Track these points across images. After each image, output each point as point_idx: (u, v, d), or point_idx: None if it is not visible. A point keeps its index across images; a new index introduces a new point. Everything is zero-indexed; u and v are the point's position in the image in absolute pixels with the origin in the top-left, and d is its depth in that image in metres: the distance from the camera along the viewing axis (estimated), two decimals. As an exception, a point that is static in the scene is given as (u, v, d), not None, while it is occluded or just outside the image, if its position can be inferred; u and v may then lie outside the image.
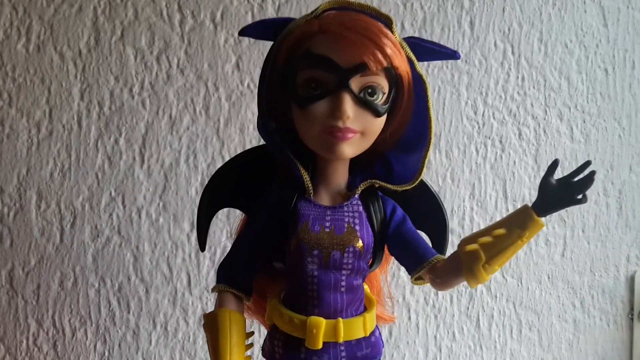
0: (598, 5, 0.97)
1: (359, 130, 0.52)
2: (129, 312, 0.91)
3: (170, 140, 0.93)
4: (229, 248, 0.58)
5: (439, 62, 0.95)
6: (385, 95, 0.52)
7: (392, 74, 0.52)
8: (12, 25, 0.91)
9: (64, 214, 0.91)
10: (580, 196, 0.48)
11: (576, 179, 0.48)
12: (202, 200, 0.59)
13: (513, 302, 0.97)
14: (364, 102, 0.51)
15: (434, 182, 0.95)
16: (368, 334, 0.55)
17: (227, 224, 0.91)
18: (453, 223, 0.95)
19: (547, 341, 0.97)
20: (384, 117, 0.53)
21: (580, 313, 0.98)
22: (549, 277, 0.97)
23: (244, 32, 0.55)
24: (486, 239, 0.50)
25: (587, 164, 0.48)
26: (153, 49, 0.93)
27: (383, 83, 0.52)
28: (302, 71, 0.51)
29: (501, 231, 0.50)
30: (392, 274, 0.94)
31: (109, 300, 0.91)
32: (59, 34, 0.92)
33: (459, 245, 0.52)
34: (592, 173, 0.48)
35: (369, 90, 0.51)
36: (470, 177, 0.96)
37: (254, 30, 0.55)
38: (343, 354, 0.54)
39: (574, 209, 0.97)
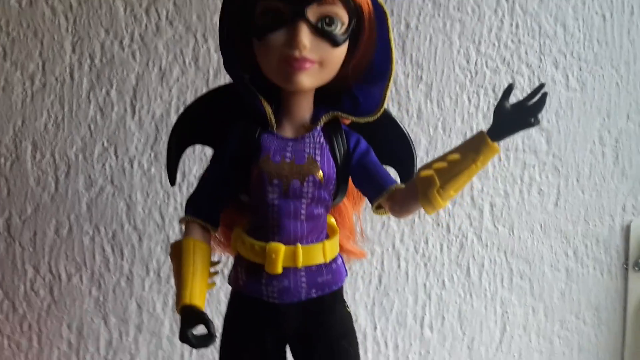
0: (594, -52, 0.94)
1: (317, 60, 0.52)
2: (122, 259, 0.93)
3: (160, 91, 0.94)
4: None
5: (430, 10, 0.94)
6: (345, 26, 0.52)
7: (350, 4, 0.52)
8: (4, -21, 0.92)
9: (59, 164, 0.93)
10: (532, 119, 0.47)
11: (530, 102, 0.48)
12: (172, 136, 0.60)
13: (504, 251, 0.96)
14: (321, 32, 0.51)
15: (425, 132, 0.94)
16: (328, 261, 0.56)
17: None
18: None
19: (539, 290, 0.97)
20: (343, 48, 0.53)
21: (573, 262, 0.97)
22: (541, 227, 0.96)
23: None
24: (441, 164, 0.50)
25: (541, 86, 0.48)
26: (142, 1, 0.93)
27: (341, 13, 0.52)
28: (260, 2, 0.51)
29: (455, 156, 0.50)
30: (381, 224, 0.95)
31: (103, 248, 0.93)
32: (50, -13, 0.93)
33: (416, 172, 0.52)
34: (545, 95, 0.47)
35: (327, 20, 0.51)
36: (462, 127, 0.95)
37: None
38: (303, 279, 0.55)
39: (568, 159, 0.96)
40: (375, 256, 0.95)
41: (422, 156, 0.94)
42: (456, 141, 0.95)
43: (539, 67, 0.95)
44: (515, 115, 0.48)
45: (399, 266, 0.96)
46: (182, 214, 0.93)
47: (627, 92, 0.96)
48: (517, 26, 0.95)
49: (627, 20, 0.95)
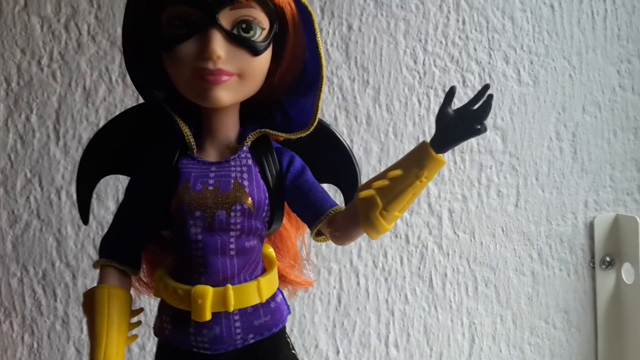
0: (537, -64, 0.90)
1: (235, 71, 0.45)
2: (56, 300, 0.85)
3: (86, 113, 0.86)
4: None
5: (372, 10, 0.88)
6: (265, 31, 0.46)
7: (269, 6, 0.45)
8: None
9: (-22, 200, 0.84)
10: (478, 126, 0.42)
11: (475, 106, 0.42)
12: (81, 168, 0.53)
13: (467, 259, 0.91)
14: (238, 39, 0.45)
15: (376, 138, 0.89)
16: (265, 300, 0.49)
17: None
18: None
19: (505, 296, 0.92)
20: (265, 56, 0.47)
21: (538, 265, 0.93)
22: (503, 230, 0.92)
23: None
24: (382, 182, 0.44)
25: (486, 87, 0.42)
26: (60, 16, 0.85)
27: (260, 17, 0.45)
28: (165, 10, 0.45)
29: (397, 172, 0.43)
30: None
31: (34, 289, 0.85)
32: (-45, 6, 0.84)
33: (355, 194, 0.46)
34: (490, 97, 0.42)
35: (244, 26, 0.45)
36: (414, 131, 0.90)
37: None
38: (237, 324, 0.48)
39: (525, 157, 0.91)
40: (332, 274, 0.89)
41: (375, 164, 0.88)
42: (409, 146, 0.90)
43: (489, 63, 0.91)
44: (459, 123, 0.42)
45: (358, 283, 0.90)
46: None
47: (581, 84, 0.92)
48: (463, 22, 0.90)
49: (576, 10, 0.92)
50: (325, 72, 0.48)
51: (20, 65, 0.85)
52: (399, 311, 0.90)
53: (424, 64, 0.90)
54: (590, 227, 0.93)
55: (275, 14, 0.46)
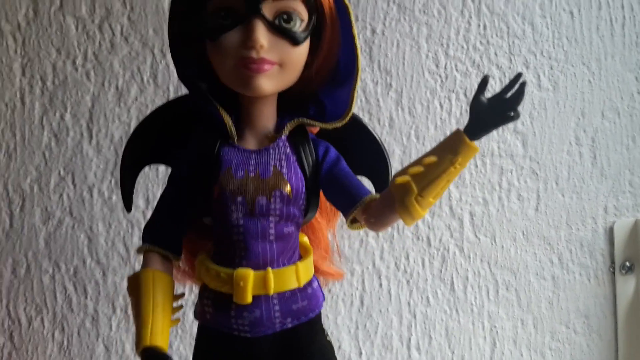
0: (558, -55, 0.92)
1: (276, 61, 0.47)
2: (86, 297, 0.87)
3: (118, 112, 0.88)
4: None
5: (395, 14, 0.91)
6: (305, 23, 0.48)
7: None
8: (-56, 1, 0.87)
9: (12, 197, 0.87)
10: (512, 112, 0.43)
11: (508, 94, 0.44)
12: (125, 157, 0.55)
13: (488, 262, 0.92)
14: (280, 29, 0.47)
15: (398, 141, 0.91)
16: (302, 285, 0.51)
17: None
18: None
19: (526, 300, 0.93)
20: (304, 47, 0.49)
21: (558, 269, 0.93)
22: (523, 234, 0.93)
23: None
24: (417, 168, 0.45)
25: (518, 76, 0.44)
26: (94, 17, 0.88)
27: (300, 9, 0.47)
28: (210, 1, 0.47)
29: (432, 159, 0.45)
30: (359, 241, 0.90)
31: (65, 286, 0.87)
32: (-5, 8, 0.87)
33: (391, 180, 0.48)
34: (523, 85, 0.43)
35: (285, 17, 0.47)
36: (436, 134, 0.92)
37: None
38: (276, 307, 0.50)
39: (545, 161, 0.93)
40: (355, 276, 0.90)
41: (397, 167, 0.88)
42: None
43: (510, 67, 0.93)
44: (493, 110, 0.44)
45: (380, 285, 0.91)
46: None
47: (600, 90, 0.94)
48: (484, 27, 0.92)
49: (595, 16, 0.93)
50: (361, 64, 0.50)
51: (56, 64, 0.88)
52: (420, 314, 0.91)
53: (445, 68, 0.92)
54: (610, 232, 0.94)
55: (314, 6, 0.48)
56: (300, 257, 0.53)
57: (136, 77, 0.88)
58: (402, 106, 0.91)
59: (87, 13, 0.88)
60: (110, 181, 0.88)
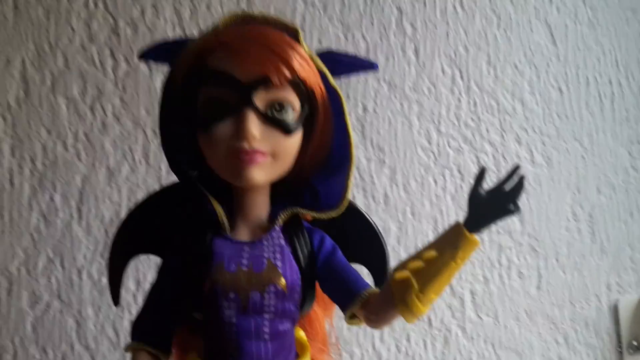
0: (544, 23, 0.94)
1: (269, 151, 0.47)
2: (71, 385, 0.83)
3: (109, 192, 0.87)
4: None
5: (386, 93, 0.92)
6: (297, 112, 0.47)
7: (301, 88, 0.47)
8: (-63, 84, 0.87)
9: (0, 280, 0.84)
10: (512, 206, 0.42)
11: (506, 186, 0.43)
12: (113, 248, 0.53)
13: (492, 343, 0.89)
14: (272, 120, 0.46)
15: (394, 218, 0.89)
16: (299, 387, 0.48)
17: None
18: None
19: (532, 383, 0.89)
20: (297, 136, 0.48)
21: (564, 350, 0.90)
22: (526, 313, 0.90)
23: (144, 54, 0.51)
24: (417, 263, 0.44)
25: (516, 168, 0.43)
26: (86, 97, 0.88)
27: (292, 98, 0.47)
28: (202, 91, 0.47)
29: (432, 253, 0.43)
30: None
31: (49, 373, 0.83)
32: (-14, 90, 0.87)
33: (390, 275, 0.46)
34: (522, 178, 0.43)
35: (277, 107, 0.46)
36: (432, 211, 0.91)
37: (154, 53, 0.51)
38: (272, 413, 0.46)
39: (544, 238, 0.91)
40: (354, 359, 0.87)
41: (394, 244, 0.88)
42: (427, 226, 0.90)
43: (502, 144, 0.93)
44: (492, 203, 0.43)
45: (379, 368, 0.87)
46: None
47: (594, 165, 0.94)
48: (475, 104, 0.93)
49: (584, 92, 0.95)
50: (355, 153, 0.50)
51: (46, 145, 0.87)
52: (422, 398, 0.87)
53: (438, 144, 0.92)
54: (615, 310, 0.91)
55: (306, 96, 0.48)
56: (297, 356, 0.50)
57: (128, 157, 0.87)
58: (396, 182, 0.90)
59: (79, 93, 0.88)
60: (100, 263, 0.85)
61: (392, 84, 0.91)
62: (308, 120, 0.49)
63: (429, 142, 0.91)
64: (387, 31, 0.92)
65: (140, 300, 0.85)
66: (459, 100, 0.92)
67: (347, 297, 0.48)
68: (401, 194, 0.90)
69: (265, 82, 0.45)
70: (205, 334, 0.49)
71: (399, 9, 0.93)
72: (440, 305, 0.89)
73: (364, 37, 0.91)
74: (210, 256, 0.48)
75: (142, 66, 0.89)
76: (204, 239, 0.48)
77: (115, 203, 0.87)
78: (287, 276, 0.47)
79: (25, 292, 0.84)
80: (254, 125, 0.45)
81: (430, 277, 0.43)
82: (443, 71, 0.92)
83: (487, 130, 0.92)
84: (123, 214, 0.85)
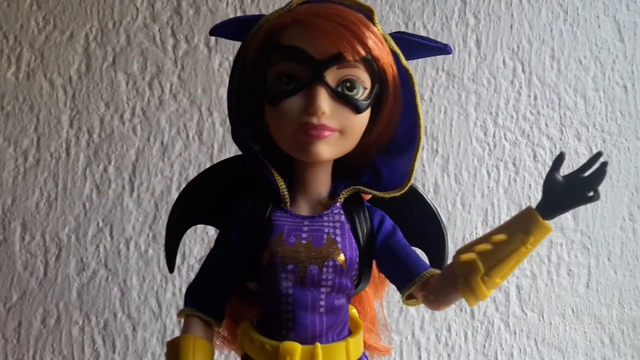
0: (612, 20, 0.91)
1: (337, 128, 0.46)
2: (114, 352, 0.84)
3: (161, 167, 0.88)
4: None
5: (444, 82, 0.90)
6: (367, 91, 0.47)
7: (373, 67, 0.46)
8: (2, 53, 0.89)
9: (49, 246, 0.86)
10: (591, 193, 0.41)
11: (586, 173, 0.41)
12: (172, 216, 0.54)
13: (534, 339, 0.87)
14: (342, 97, 0.46)
15: (443, 208, 0.88)
16: (351, 363, 0.48)
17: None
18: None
19: (575, 383, 0.87)
20: (365, 115, 0.47)
21: (610, 350, 0.88)
22: (573, 311, 0.88)
23: (215, 31, 0.51)
24: (484, 246, 0.43)
25: (598, 155, 0.42)
26: (145, 74, 0.90)
27: (363, 77, 0.46)
28: (273, 66, 0.46)
29: (501, 237, 0.42)
30: (399, 309, 0.87)
31: (94, 339, 0.85)
32: (50, 61, 0.89)
33: (454, 256, 0.45)
34: (604, 165, 0.41)
35: (348, 84, 0.46)
36: (483, 202, 0.89)
37: (225, 29, 0.51)
38: (323, 385, 0.46)
39: (597, 236, 0.89)
40: (393, 346, 0.86)
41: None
42: (476, 217, 0.88)
43: (561, 139, 0.91)
44: (569, 189, 0.41)
45: (419, 357, 0.86)
46: (181, 300, 0.86)
47: (655, 165, 0.90)
48: (535, 97, 0.91)
49: (649, 91, 0.91)
50: (423, 134, 0.49)
51: (104, 118, 0.89)
52: (461, 390, 0.86)
53: (494, 136, 0.90)
54: (666, 314, 0.88)
55: (377, 75, 0.47)
56: (350, 332, 0.50)
57: (182, 134, 0.89)
58: (448, 172, 0.89)
59: (139, 70, 0.90)
60: (148, 235, 0.87)
61: (451, 74, 0.90)
62: (377, 99, 0.48)
63: (485, 134, 0.90)
64: (449, 21, 0.90)
65: (185, 273, 0.87)
66: (519, 93, 0.90)
67: (406, 277, 0.48)
68: (452, 184, 0.89)
69: (338, 59, 0.45)
70: (262, 305, 0.49)
71: (463, 0, 0.91)
72: (485, 299, 0.87)
73: (424, 26, 0.90)
74: (270, 228, 0.48)
75: (201, 46, 0.90)
76: (265, 211, 0.49)
77: (167, 177, 0.88)
78: (346, 252, 0.47)
79: (73, 258, 0.86)
80: (324, 101, 0.45)
81: (498, 261, 0.42)
82: (504, 63, 0.90)
83: (546, 125, 0.90)
84: (174, 188, 0.86)
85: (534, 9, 0.92)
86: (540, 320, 0.88)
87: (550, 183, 0.42)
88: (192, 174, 0.87)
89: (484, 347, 0.87)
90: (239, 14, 0.91)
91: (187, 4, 0.91)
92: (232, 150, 0.88)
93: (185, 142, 0.89)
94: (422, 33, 0.91)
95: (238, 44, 0.89)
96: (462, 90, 0.90)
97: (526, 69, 0.91)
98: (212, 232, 0.86)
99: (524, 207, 0.87)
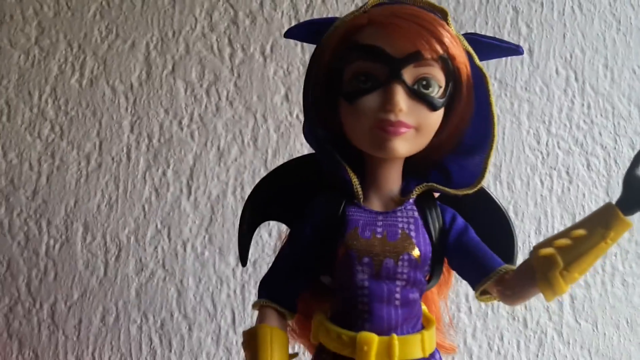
0: (667, 29, 0.91)
1: (413, 125, 0.47)
2: (170, 351, 0.86)
3: (217, 171, 0.91)
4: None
5: (497, 90, 0.91)
6: (442, 89, 0.48)
7: (448, 65, 0.47)
8: (67, 60, 0.93)
9: (109, 246, 0.89)
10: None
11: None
12: (245, 211, 0.55)
13: (588, 350, 0.86)
14: (418, 95, 0.47)
15: (495, 216, 0.88)
16: (427, 355, 0.48)
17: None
18: (518, 260, 0.87)
19: (631, 396, 0.86)
20: (440, 112, 0.49)
21: (667, 364, 0.86)
22: (627, 322, 0.87)
23: (290, 33, 0.53)
24: (564, 241, 0.43)
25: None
26: (203, 82, 0.93)
27: (439, 75, 0.47)
28: (349, 65, 0.48)
29: (581, 232, 0.43)
30: (451, 314, 0.87)
31: (151, 338, 0.87)
32: (112, 68, 0.93)
33: (532, 251, 0.46)
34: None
35: (424, 83, 0.47)
36: (536, 211, 0.89)
37: (300, 32, 0.53)
38: (399, 376, 0.47)
39: (653, 246, 0.88)
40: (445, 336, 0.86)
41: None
42: (529, 226, 0.88)
43: (615, 148, 0.90)
44: None
45: (472, 365, 0.86)
46: (235, 301, 0.88)
47: None
48: (588, 106, 0.91)
49: None
50: (497, 133, 0.50)
51: (163, 123, 0.92)
52: (513, 399, 0.86)
53: (547, 145, 0.90)
54: None
55: (452, 74, 0.48)
56: (423, 327, 0.50)
57: (237, 140, 0.91)
58: (500, 180, 0.89)
59: (197, 78, 0.93)
60: (204, 237, 0.89)
61: (503, 82, 0.91)
62: (450, 97, 0.49)
63: (538, 142, 0.90)
64: (501, 30, 0.91)
65: (239, 276, 0.88)
66: (572, 102, 0.90)
67: (481, 272, 0.48)
68: (504, 192, 0.89)
69: (415, 58, 0.46)
70: (337, 298, 0.50)
71: (515, 9, 0.92)
72: (537, 306, 0.87)
73: (477, 33, 0.91)
74: (345, 223, 0.49)
75: (257, 55, 0.93)
76: (339, 207, 0.50)
77: (223, 182, 0.90)
78: (420, 247, 0.48)
79: (133, 259, 0.89)
80: (401, 99, 0.46)
81: (578, 256, 0.43)
82: (557, 72, 0.91)
83: (600, 134, 0.90)
84: (229, 192, 0.89)
85: (586, 18, 0.93)
86: (594, 330, 0.87)
87: (630, 179, 0.42)
88: (247, 178, 0.90)
89: (537, 356, 0.86)
90: (293, 23, 0.94)
91: (243, 14, 0.94)
92: (285, 156, 0.90)
93: (240, 148, 0.91)
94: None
95: (293, 54, 0.92)
96: (515, 99, 0.91)
97: (579, 78, 0.91)
98: (266, 236, 0.88)
99: (577, 217, 0.88)
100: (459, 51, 0.47)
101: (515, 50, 0.51)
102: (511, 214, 0.87)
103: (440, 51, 0.46)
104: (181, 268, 0.88)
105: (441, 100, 0.48)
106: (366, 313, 0.48)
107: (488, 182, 0.89)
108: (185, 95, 0.92)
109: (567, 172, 0.89)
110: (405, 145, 0.48)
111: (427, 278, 0.50)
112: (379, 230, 0.48)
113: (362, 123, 0.48)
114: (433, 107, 0.47)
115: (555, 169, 0.89)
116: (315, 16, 0.93)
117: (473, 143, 0.51)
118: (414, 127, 0.48)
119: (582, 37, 0.92)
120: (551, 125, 0.90)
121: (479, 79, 0.49)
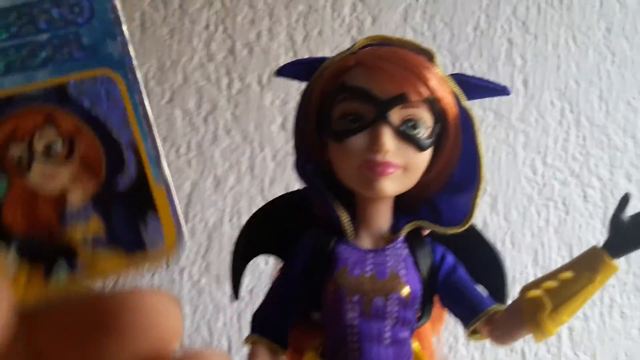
0: (661, 61, 0.92)
1: (401, 165, 0.48)
2: (164, 381, 0.86)
3: (214, 199, 0.91)
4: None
5: (492, 121, 0.91)
6: (429, 130, 0.49)
7: (435, 107, 0.48)
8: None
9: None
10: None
11: (655, 212, 0.42)
12: (238, 244, 0.56)
13: (587, 383, 0.86)
14: (405, 135, 0.47)
15: (491, 246, 0.88)
16: (417, 395, 0.48)
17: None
18: (515, 291, 0.86)
19: None
20: (428, 152, 0.49)
21: (666, 398, 0.85)
22: (626, 355, 0.86)
23: (281, 72, 0.54)
24: (551, 283, 0.43)
25: (667, 194, 0.42)
26: (200, 111, 0.93)
27: (426, 117, 0.48)
28: (338, 105, 0.48)
29: (568, 274, 0.43)
30: (448, 346, 0.86)
31: (145, 367, 0.86)
32: (113, 97, 0.94)
33: (520, 292, 0.46)
34: (674, 204, 0.41)
35: (411, 124, 0.48)
36: (533, 242, 0.89)
37: (290, 70, 0.54)
38: (389, 418, 0.47)
39: (650, 278, 0.87)
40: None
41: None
42: (526, 257, 0.88)
43: (611, 180, 0.90)
44: (636, 229, 0.42)
45: (468, 399, 0.85)
46: (231, 330, 0.88)
47: None
48: (584, 138, 0.91)
49: (702, 133, 0.91)
50: (484, 173, 0.50)
51: (161, 152, 0.92)
52: None
53: (543, 176, 0.90)
54: None
55: (439, 115, 0.49)
56: (413, 366, 0.50)
57: (234, 168, 0.91)
58: (496, 211, 0.89)
59: (194, 107, 0.93)
60: (201, 265, 0.89)
61: (498, 114, 0.91)
62: (438, 138, 0.50)
63: (534, 173, 0.90)
64: (496, 62, 0.92)
65: (236, 304, 0.88)
66: (567, 133, 0.91)
67: (470, 312, 0.48)
68: (501, 223, 0.89)
69: (402, 100, 0.46)
70: (326, 335, 0.50)
71: (509, 41, 0.93)
72: (535, 339, 0.86)
73: (472, 66, 0.92)
74: (334, 261, 0.49)
75: (254, 85, 0.93)
76: (328, 244, 0.50)
77: (220, 210, 0.91)
78: (410, 286, 0.48)
79: (129, 287, 0.89)
80: (388, 139, 0.46)
81: (565, 298, 0.43)
82: (552, 103, 0.91)
83: (596, 165, 0.90)
84: (226, 220, 0.89)
85: (580, 51, 0.93)
86: (592, 363, 0.86)
87: (616, 223, 0.43)
88: (244, 206, 0.90)
89: (535, 389, 0.86)
90: (290, 54, 0.95)
91: (241, 44, 0.95)
92: (282, 184, 0.91)
93: (237, 177, 0.91)
94: (469, 74, 0.92)
95: (289, 84, 0.93)
96: (510, 130, 0.91)
97: (574, 109, 0.92)
98: (262, 264, 0.88)
99: (574, 248, 0.88)
100: (445, 93, 0.48)
101: (502, 90, 0.52)
102: (508, 245, 0.88)
103: (426, 94, 0.46)
104: (178, 295, 0.88)
105: (428, 141, 0.48)
106: (356, 352, 0.48)
107: (484, 213, 0.89)
108: (183, 124, 0.93)
109: (564, 203, 0.89)
110: (392, 185, 0.48)
111: (417, 316, 0.50)
112: (368, 269, 0.49)
113: (350, 162, 0.48)
114: (420, 148, 0.48)
115: (551, 200, 0.90)
116: (312, 47, 0.95)
117: (461, 182, 0.51)
118: (402, 167, 0.48)
119: (577, 69, 0.93)
120: (547, 156, 0.91)
121: (466, 120, 0.50)
